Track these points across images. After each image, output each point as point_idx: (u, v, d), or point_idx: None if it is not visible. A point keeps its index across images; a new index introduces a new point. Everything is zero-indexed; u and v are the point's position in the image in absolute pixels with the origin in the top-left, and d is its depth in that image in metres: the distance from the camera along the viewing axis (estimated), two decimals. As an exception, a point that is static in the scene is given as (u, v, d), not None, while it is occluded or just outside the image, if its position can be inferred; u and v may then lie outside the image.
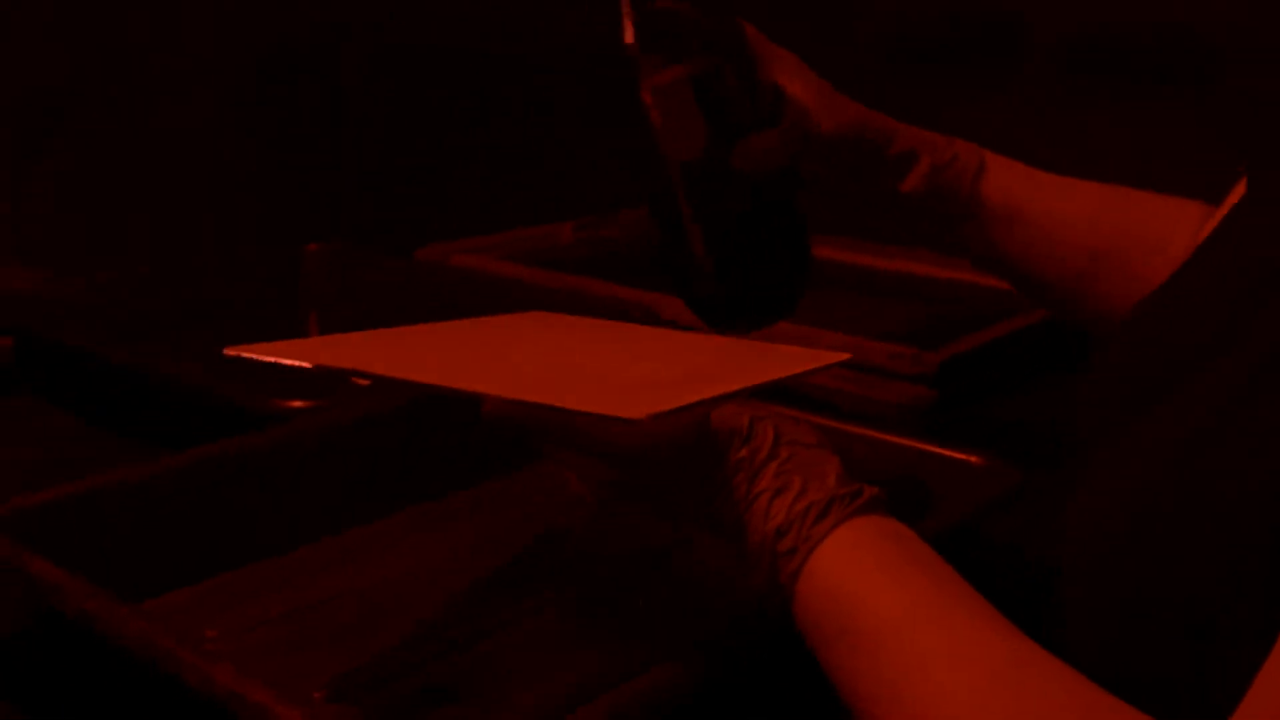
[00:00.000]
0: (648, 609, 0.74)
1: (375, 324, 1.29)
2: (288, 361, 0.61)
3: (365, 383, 0.81)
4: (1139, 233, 0.84)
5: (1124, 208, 0.85)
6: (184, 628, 0.71)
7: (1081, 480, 0.58)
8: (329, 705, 0.64)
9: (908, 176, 0.85)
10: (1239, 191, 0.67)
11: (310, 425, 0.84)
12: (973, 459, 0.79)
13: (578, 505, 0.87)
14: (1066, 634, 0.54)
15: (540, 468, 0.91)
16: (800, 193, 0.83)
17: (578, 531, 0.84)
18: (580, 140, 1.90)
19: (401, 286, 1.34)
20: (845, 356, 0.67)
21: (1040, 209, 0.85)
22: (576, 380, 0.62)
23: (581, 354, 0.72)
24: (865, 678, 0.53)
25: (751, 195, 0.80)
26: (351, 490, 0.83)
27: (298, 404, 0.88)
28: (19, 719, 0.69)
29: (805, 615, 0.56)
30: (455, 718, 0.65)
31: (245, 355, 0.62)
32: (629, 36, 0.82)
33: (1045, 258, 0.85)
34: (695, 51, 0.80)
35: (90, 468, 0.77)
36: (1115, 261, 0.84)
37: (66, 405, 1.06)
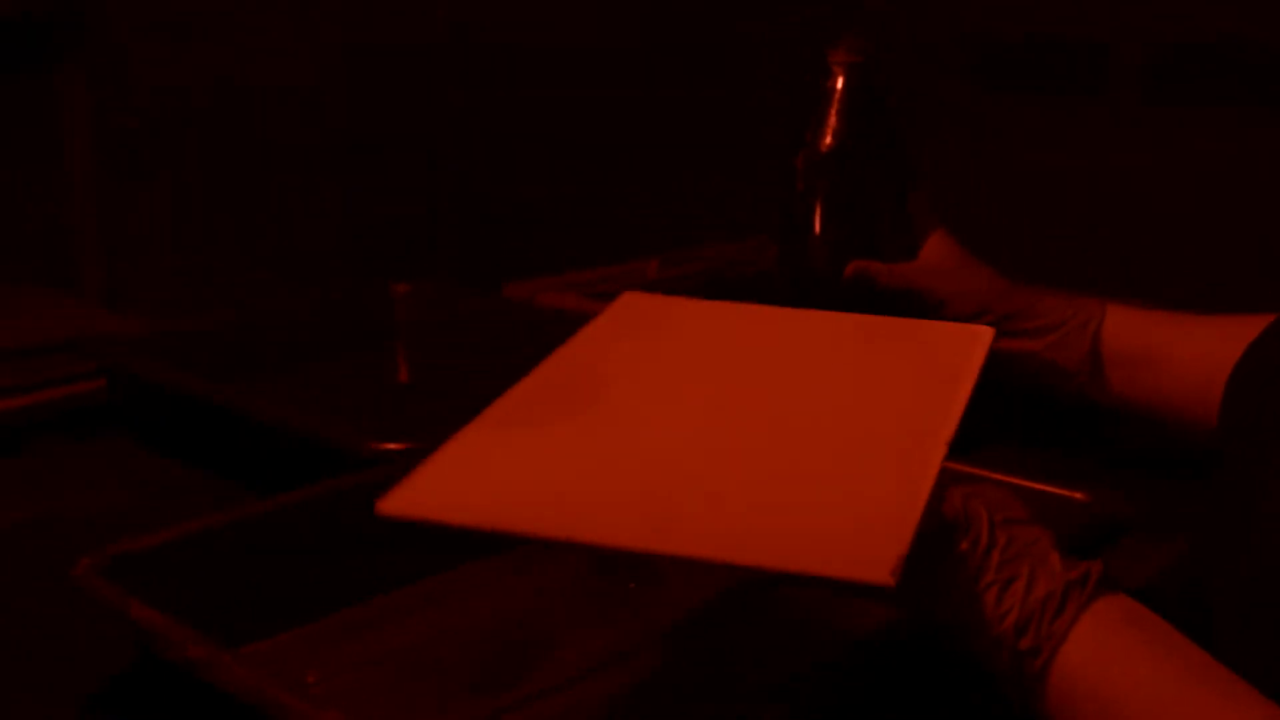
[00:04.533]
0: (738, 651, 0.73)
1: (465, 361, 1.30)
2: (448, 521, 0.57)
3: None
4: None
5: (1240, 332, 0.84)
6: (284, 672, 0.71)
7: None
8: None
9: (1037, 340, 0.92)
10: None
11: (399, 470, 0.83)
12: (1077, 495, 0.77)
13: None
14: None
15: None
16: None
17: (669, 569, 0.82)
18: (666, 175, 1.90)
19: (490, 324, 1.34)
20: (991, 332, 0.70)
21: (1164, 350, 0.89)
22: (792, 519, 0.56)
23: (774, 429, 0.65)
24: None
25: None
26: (442, 533, 0.83)
27: (393, 446, 0.88)
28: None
29: (1057, 711, 0.56)
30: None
31: (399, 515, 0.57)
32: None
33: (1172, 393, 0.88)
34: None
35: (184, 511, 0.78)
36: None
37: (158, 447, 1.07)
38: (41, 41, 1.79)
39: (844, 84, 0.98)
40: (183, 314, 1.23)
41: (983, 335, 0.71)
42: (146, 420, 1.10)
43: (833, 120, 0.99)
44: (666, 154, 1.98)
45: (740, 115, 1.93)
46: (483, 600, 0.80)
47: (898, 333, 0.75)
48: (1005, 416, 1.00)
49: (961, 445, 0.61)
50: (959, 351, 0.69)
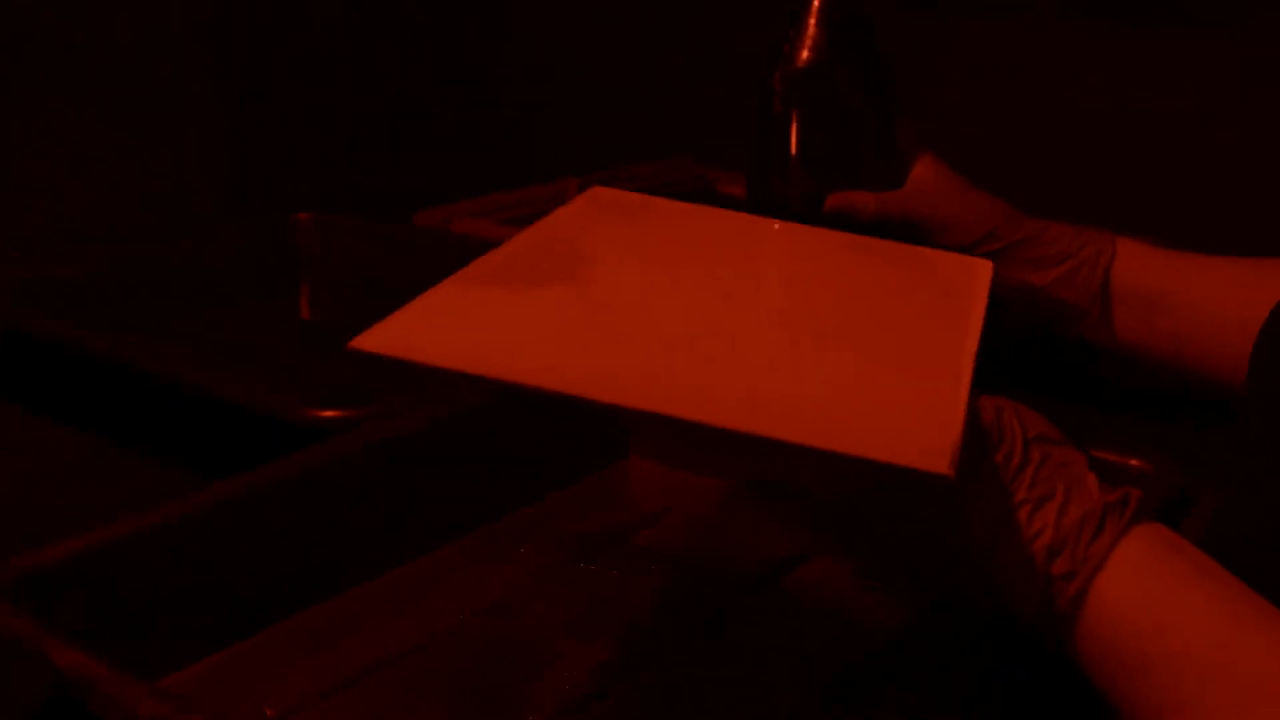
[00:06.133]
0: (758, 645, 0.64)
1: (374, 297, 1.18)
2: (427, 362, 0.48)
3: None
4: None
5: (1269, 276, 0.77)
6: (232, 704, 0.59)
7: None
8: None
9: (1043, 272, 0.83)
10: None
11: (350, 446, 0.71)
12: (1132, 462, 0.69)
13: (665, 514, 0.76)
14: None
15: (610, 471, 0.80)
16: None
17: (675, 551, 0.73)
18: (584, 92, 1.77)
19: (400, 255, 1.21)
20: (990, 266, 0.64)
21: (1180, 292, 0.81)
22: (831, 398, 0.48)
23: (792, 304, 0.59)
24: (1189, 710, 0.48)
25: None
26: (399, 520, 0.71)
27: (332, 413, 0.76)
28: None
29: (1093, 646, 0.50)
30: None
31: (371, 350, 0.48)
32: None
33: (1193, 340, 0.80)
34: None
35: (86, 496, 0.65)
36: None
37: (49, 413, 0.92)
38: None
39: None
40: (53, 261, 1.07)
41: (982, 268, 0.65)
42: (32, 382, 0.95)
43: (812, 31, 0.88)
44: (588, 66, 1.84)
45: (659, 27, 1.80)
46: (451, 596, 0.69)
47: (895, 255, 0.68)
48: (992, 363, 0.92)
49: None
50: (961, 280, 0.63)
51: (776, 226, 0.72)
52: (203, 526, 0.62)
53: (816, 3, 0.88)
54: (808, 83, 0.89)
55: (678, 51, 1.75)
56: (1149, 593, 0.49)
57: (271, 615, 0.64)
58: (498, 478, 0.76)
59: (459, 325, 0.51)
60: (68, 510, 0.70)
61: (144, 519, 0.61)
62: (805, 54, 0.89)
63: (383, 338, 0.49)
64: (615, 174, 1.42)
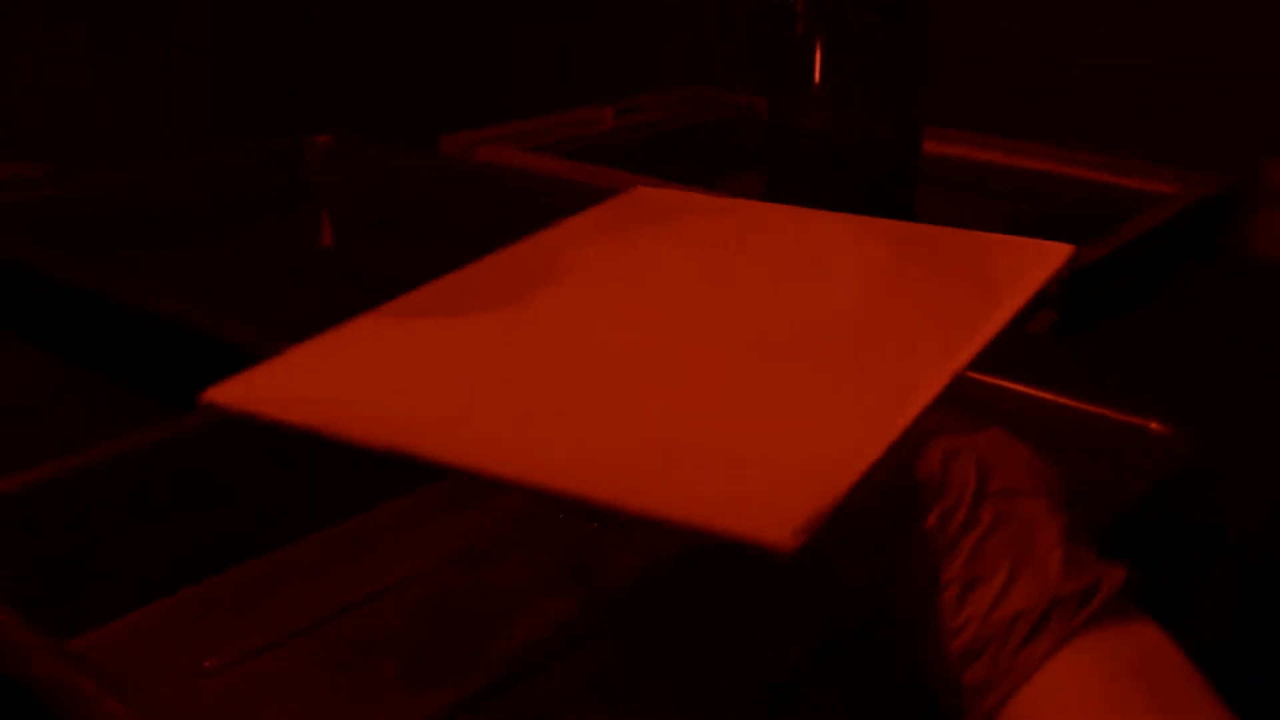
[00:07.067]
0: (736, 614, 0.60)
1: (391, 223, 1.14)
2: (275, 418, 0.45)
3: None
4: None
5: None
6: (170, 659, 0.56)
7: None
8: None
9: None
10: None
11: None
12: (1152, 425, 0.63)
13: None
14: None
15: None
16: None
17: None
18: (621, 11, 1.71)
19: (420, 182, 1.17)
20: (1069, 250, 0.55)
21: None
22: (692, 458, 0.41)
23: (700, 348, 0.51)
24: None
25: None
26: (368, 461, 0.67)
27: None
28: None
29: None
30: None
31: (225, 405, 0.46)
32: None
33: None
34: None
35: (56, 426, 0.62)
36: None
37: (34, 339, 0.90)
38: None
39: None
40: (72, 169, 1.05)
41: (1055, 253, 0.55)
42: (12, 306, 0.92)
43: None
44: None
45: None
46: (420, 542, 0.65)
47: (947, 244, 0.59)
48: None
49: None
50: (1016, 268, 0.54)
51: (821, 219, 0.64)
52: (140, 468, 0.59)
53: None
54: (832, 5, 0.84)
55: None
56: None
57: (223, 563, 0.61)
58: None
59: (333, 374, 0.49)
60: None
61: (68, 463, 0.57)
62: None
63: (237, 389, 0.47)
64: (648, 101, 1.37)
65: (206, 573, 0.60)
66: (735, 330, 0.51)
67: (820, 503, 0.36)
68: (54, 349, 0.86)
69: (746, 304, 0.54)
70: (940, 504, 0.42)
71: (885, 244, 0.59)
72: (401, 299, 0.55)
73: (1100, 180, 1.12)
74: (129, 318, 0.79)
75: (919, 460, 0.42)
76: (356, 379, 0.48)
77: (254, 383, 0.47)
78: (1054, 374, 0.71)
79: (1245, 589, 0.62)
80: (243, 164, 1.15)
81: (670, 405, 0.45)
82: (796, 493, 0.37)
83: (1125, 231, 0.98)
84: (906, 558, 0.42)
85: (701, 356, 0.49)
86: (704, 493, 0.38)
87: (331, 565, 0.63)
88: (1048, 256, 0.55)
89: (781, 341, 0.50)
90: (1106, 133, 1.26)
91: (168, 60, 1.52)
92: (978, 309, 0.51)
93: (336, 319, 0.53)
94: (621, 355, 0.49)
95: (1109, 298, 0.94)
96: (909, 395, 0.43)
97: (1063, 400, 0.66)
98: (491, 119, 1.27)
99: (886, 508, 0.42)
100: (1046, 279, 0.53)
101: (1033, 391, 0.67)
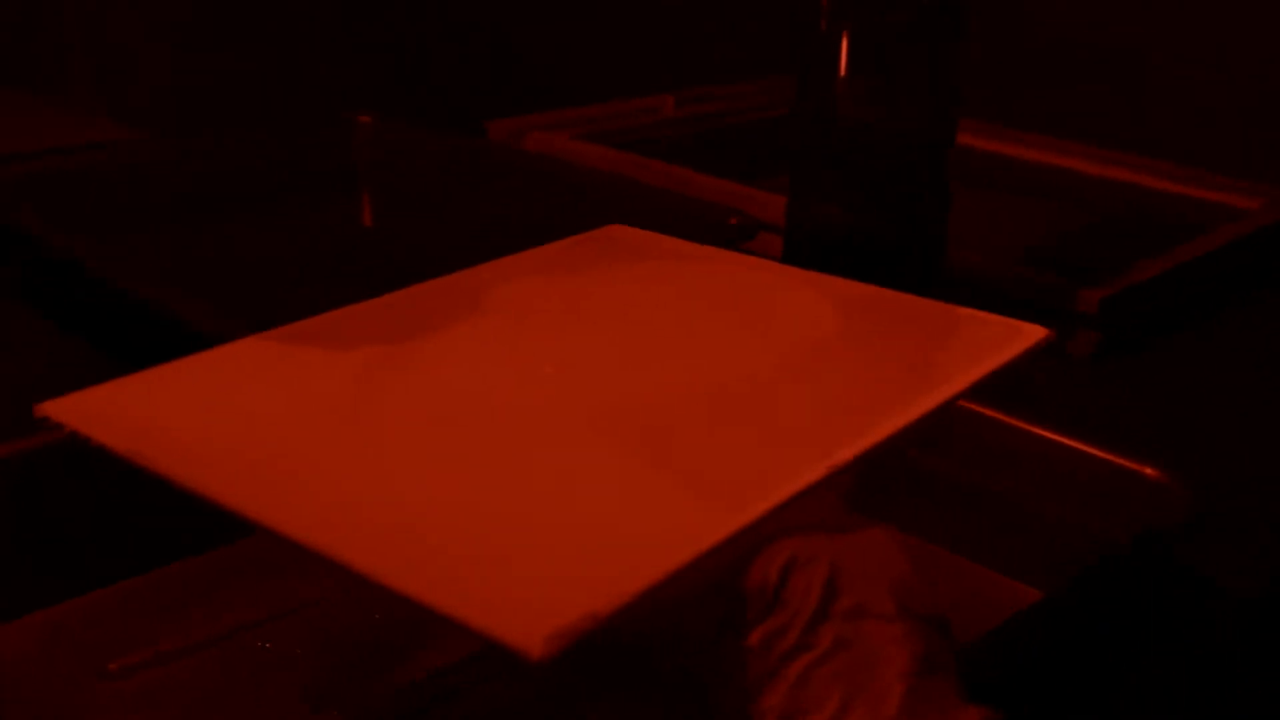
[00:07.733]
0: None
1: (432, 207, 1.11)
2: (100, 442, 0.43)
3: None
4: None
5: None
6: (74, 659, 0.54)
7: None
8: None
9: None
10: None
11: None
12: (1147, 470, 0.57)
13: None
14: None
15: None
16: None
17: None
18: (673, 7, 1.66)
19: (461, 168, 1.14)
20: (1043, 333, 0.50)
21: None
22: (484, 543, 0.37)
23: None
24: None
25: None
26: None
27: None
28: None
29: None
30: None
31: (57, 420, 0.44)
32: None
33: None
34: None
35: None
36: None
37: (56, 319, 0.89)
38: None
39: None
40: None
41: (1024, 335, 0.50)
42: (37, 285, 0.92)
43: None
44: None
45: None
46: (320, 573, 0.62)
47: (911, 316, 0.54)
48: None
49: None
50: (973, 348, 0.49)
51: (779, 278, 0.59)
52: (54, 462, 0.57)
53: None
54: None
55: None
56: None
57: (138, 567, 0.59)
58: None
59: (179, 400, 0.46)
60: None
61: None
62: None
63: (70, 404, 0.45)
64: (712, 91, 1.32)
65: (120, 576, 0.58)
66: (615, 396, 0.46)
67: (586, 610, 0.33)
68: (50, 319, 0.85)
69: (648, 367, 0.50)
70: (769, 622, 0.37)
71: (839, 310, 0.54)
72: (299, 324, 0.52)
73: (1170, 190, 1.05)
74: (119, 299, 0.78)
75: (751, 568, 0.37)
76: (190, 411, 0.46)
77: (89, 401, 0.45)
78: (1069, 403, 0.66)
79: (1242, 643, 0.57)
80: (287, 142, 1.13)
81: (488, 481, 0.41)
82: (565, 596, 0.33)
83: (1186, 249, 0.91)
84: (723, 676, 0.37)
85: (560, 426, 0.44)
86: (470, 583, 0.35)
87: (247, 577, 0.60)
88: (1015, 339, 0.50)
89: (661, 413, 0.45)
90: (1179, 142, 1.19)
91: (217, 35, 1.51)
92: (909, 390, 0.46)
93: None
94: (472, 416, 0.45)
95: (1162, 321, 0.87)
96: (760, 492, 0.38)
97: (1054, 436, 0.61)
98: (544, 105, 1.24)
99: (707, 614, 0.37)
100: (1002, 364, 0.48)
101: (1023, 425, 0.62)
